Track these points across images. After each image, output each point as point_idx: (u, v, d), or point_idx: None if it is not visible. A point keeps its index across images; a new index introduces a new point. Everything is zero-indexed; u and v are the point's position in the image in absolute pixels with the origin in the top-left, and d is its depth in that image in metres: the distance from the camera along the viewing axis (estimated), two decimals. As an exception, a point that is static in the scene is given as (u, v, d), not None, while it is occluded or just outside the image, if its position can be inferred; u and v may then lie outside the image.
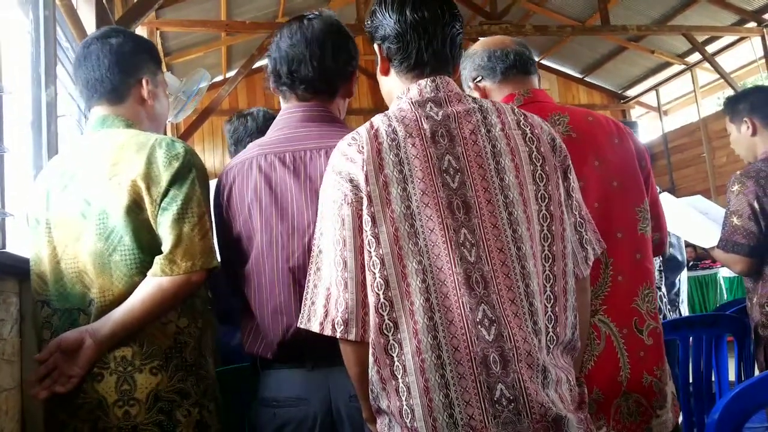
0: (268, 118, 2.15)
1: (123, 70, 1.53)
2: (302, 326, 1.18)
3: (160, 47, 7.06)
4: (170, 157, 1.41)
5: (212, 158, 9.74)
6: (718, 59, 8.66)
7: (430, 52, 1.24)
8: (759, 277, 2.29)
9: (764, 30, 8.15)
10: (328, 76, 1.50)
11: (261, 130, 2.12)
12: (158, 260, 1.36)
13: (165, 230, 1.37)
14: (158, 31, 6.64)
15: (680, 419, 2.41)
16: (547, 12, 9.28)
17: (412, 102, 1.22)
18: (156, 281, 1.35)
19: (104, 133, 1.49)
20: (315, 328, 1.16)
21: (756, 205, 2.24)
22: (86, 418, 1.34)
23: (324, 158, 1.41)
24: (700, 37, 8.42)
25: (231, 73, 8.44)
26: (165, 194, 1.38)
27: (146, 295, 1.35)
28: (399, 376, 1.10)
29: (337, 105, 1.57)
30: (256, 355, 1.45)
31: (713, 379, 2.34)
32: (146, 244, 1.38)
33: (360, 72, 9.97)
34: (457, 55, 1.30)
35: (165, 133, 1.64)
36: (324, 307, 1.15)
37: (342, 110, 1.60)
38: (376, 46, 1.29)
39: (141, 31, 5.74)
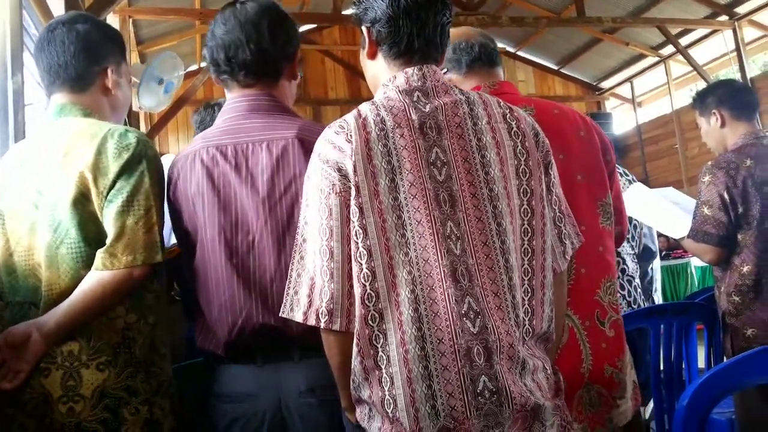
0: None
1: (89, 57, 1.49)
2: (284, 316, 1.18)
3: (132, 36, 6.94)
4: (120, 148, 1.37)
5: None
6: (691, 52, 8.75)
7: (421, 39, 1.23)
8: (727, 266, 2.33)
9: (735, 23, 8.25)
10: (268, 59, 1.46)
11: None
12: (99, 254, 1.32)
13: (108, 223, 1.34)
14: (131, 19, 6.52)
15: (649, 407, 2.46)
16: (523, 3, 9.29)
17: (399, 90, 1.21)
18: (97, 276, 1.32)
19: (62, 122, 1.45)
20: (298, 317, 1.16)
21: (726, 195, 2.28)
22: (32, 414, 1.31)
23: (265, 151, 1.38)
24: (674, 30, 8.50)
25: (206, 63, 8.32)
26: (112, 186, 1.35)
27: (88, 289, 1.32)
28: (383, 367, 1.11)
29: (283, 89, 1.52)
30: (207, 351, 1.43)
31: (684, 366, 2.38)
32: (93, 238, 1.35)
33: (337, 62, 9.93)
34: (445, 44, 1.29)
35: (138, 124, 1.60)
36: (308, 296, 1.15)
37: (290, 94, 1.56)
38: (364, 29, 1.27)
39: (113, 18, 5.64)
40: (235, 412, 1.38)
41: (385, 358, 1.10)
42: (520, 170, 1.19)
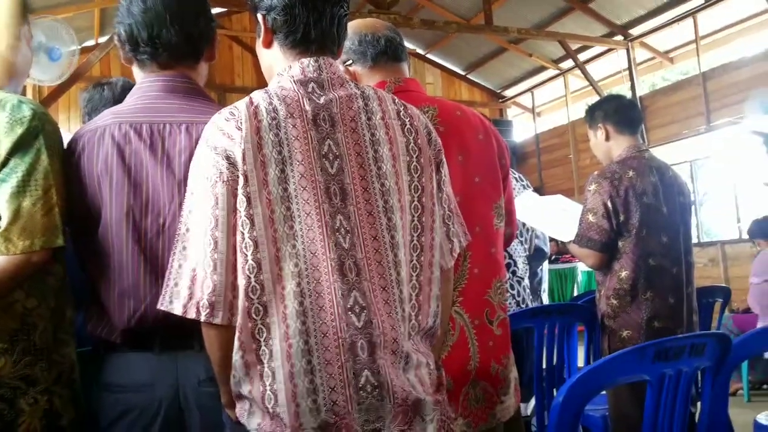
0: (127, 89, 2.03)
1: None
2: (163, 308, 1.12)
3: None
4: (13, 122, 1.26)
5: (77, 128, 9.12)
6: (588, 67, 9.22)
7: (318, 29, 1.21)
8: (608, 271, 2.46)
9: (629, 44, 8.77)
10: (193, 39, 1.42)
11: (117, 101, 1.98)
12: None
13: (2, 205, 1.23)
14: (23, -15, 6.10)
15: (531, 403, 2.56)
16: (435, 7, 9.47)
17: (294, 80, 1.18)
18: None
19: None
20: (177, 310, 1.10)
21: (609, 204, 2.40)
22: None
23: (185, 133, 1.33)
24: (574, 45, 8.93)
25: (104, 39, 7.91)
26: (4, 164, 1.24)
27: None
28: (265, 361, 1.08)
29: (200, 72, 1.48)
30: (100, 338, 1.36)
31: (565, 364, 2.50)
32: None
33: (245, 49, 9.72)
34: (342, 37, 1.27)
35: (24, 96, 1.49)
36: (189, 288, 1.10)
37: (203, 77, 1.52)
38: (259, 17, 1.23)
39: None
40: (127, 402, 1.31)
41: (267, 352, 1.08)
42: (412, 167, 1.20)
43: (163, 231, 1.30)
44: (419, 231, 1.19)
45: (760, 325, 4.37)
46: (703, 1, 7.78)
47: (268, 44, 1.25)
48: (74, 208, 1.35)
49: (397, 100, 1.25)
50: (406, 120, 1.22)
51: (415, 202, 1.19)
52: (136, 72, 1.46)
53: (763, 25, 7.48)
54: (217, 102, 1.46)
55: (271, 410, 1.07)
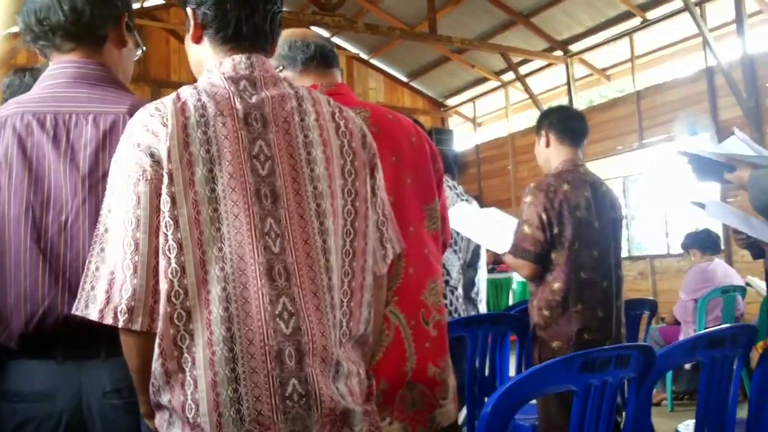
0: None
1: None
2: (78, 313, 1.06)
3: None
4: None
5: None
6: (529, 81, 9.43)
7: (250, 25, 1.17)
8: (541, 282, 2.49)
9: (568, 59, 9.01)
10: (85, 20, 1.33)
11: None
12: None
13: None
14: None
15: (463, 413, 2.57)
16: (380, 12, 9.49)
17: (224, 77, 1.14)
18: None
19: None
20: (93, 315, 1.04)
21: (544, 216, 2.43)
22: None
23: (92, 125, 1.26)
24: (515, 58, 9.12)
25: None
26: None
27: None
28: (187, 369, 1.03)
29: (112, 57, 1.40)
30: None
31: (497, 374, 2.52)
32: None
33: (182, 44, 9.56)
34: (276, 35, 1.24)
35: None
36: (106, 292, 1.04)
37: (124, 66, 1.44)
38: (189, 11, 1.19)
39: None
40: (25, 413, 1.22)
41: (190, 359, 1.03)
42: (346, 170, 1.17)
43: (65, 229, 1.23)
44: (352, 236, 1.16)
45: (681, 337, 4.53)
46: (640, 22, 8.06)
47: (197, 39, 1.21)
48: None
49: (332, 102, 1.23)
50: (341, 122, 1.19)
51: (348, 207, 1.16)
52: (49, 62, 1.38)
53: (694, 49, 7.80)
54: (147, 97, 1.39)
55: (191, 420, 1.02)
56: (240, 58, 1.16)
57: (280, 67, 1.60)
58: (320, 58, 1.61)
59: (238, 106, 1.11)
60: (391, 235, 1.27)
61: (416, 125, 1.66)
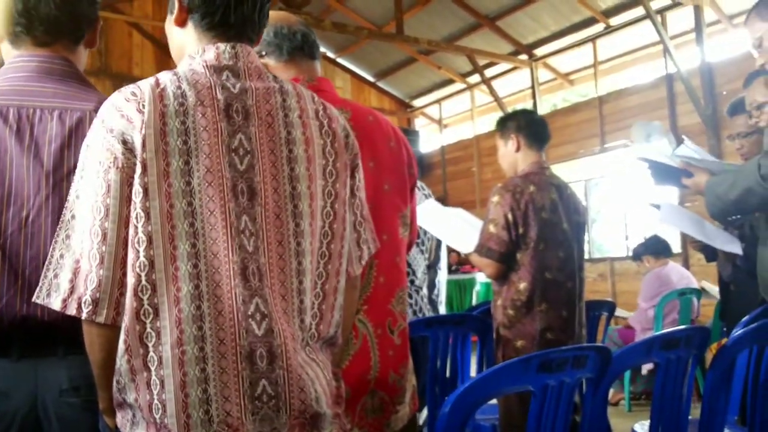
0: None
1: None
2: (39, 302, 1.02)
3: None
4: None
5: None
6: (494, 84, 9.52)
7: (238, 14, 1.13)
8: (505, 281, 2.51)
9: (533, 64, 9.12)
10: (75, 16, 1.31)
11: None
12: None
13: None
14: None
15: (424, 413, 2.57)
16: (348, 11, 9.48)
17: (207, 65, 1.09)
18: None
19: None
20: (55, 305, 1.01)
21: (510, 216, 2.46)
22: None
23: (57, 120, 1.22)
24: (481, 61, 9.20)
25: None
26: None
27: None
28: (152, 368, 1.00)
29: (79, 56, 1.37)
30: None
31: (459, 374, 2.53)
32: None
33: (145, 38, 9.24)
34: (263, 25, 1.20)
35: None
36: (70, 282, 1.00)
37: (83, 65, 1.41)
38: None
39: None
40: None
41: (156, 359, 1.00)
42: (327, 171, 1.15)
43: (26, 225, 1.19)
44: (329, 238, 1.14)
45: (638, 338, 4.62)
46: (603, 28, 8.20)
47: (182, 23, 1.16)
48: None
49: (316, 99, 1.19)
50: (325, 121, 1.17)
51: (328, 208, 1.14)
52: (7, 51, 1.33)
53: (655, 56, 7.98)
54: (107, 91, 1.37)
55: (158, 421, 0.99)
56: (225, 47, 1.12)
57: (262, 53, 1.55)
58: (306, 49, 1.55)
59: (220, 96, 1.07)
60: (368, 236, 1.26)
61: (395, 128, 1.63)
